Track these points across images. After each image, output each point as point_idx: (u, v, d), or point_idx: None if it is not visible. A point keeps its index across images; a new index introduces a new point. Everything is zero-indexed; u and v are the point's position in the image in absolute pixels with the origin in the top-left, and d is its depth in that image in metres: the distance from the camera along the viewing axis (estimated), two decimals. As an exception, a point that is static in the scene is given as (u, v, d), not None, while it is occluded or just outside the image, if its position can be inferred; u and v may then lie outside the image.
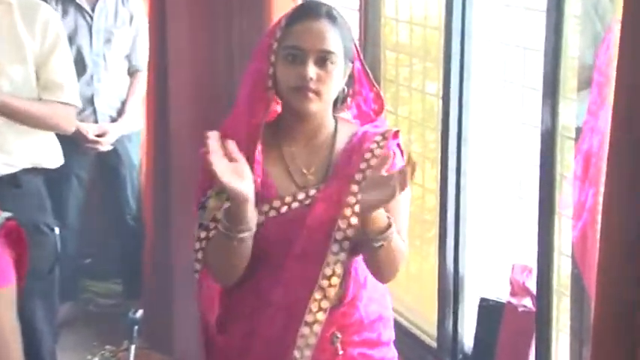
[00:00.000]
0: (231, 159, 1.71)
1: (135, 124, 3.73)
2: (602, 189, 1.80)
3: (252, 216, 1.74)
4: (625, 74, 1.53)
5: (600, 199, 1.80)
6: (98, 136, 3.61)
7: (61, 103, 2.77)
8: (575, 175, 1.99)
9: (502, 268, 2.50)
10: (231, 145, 1.72)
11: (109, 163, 3.74)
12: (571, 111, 2.09)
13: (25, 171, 2.77)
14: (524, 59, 2.40)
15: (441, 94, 2.59)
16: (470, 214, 2.56)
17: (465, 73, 2.50)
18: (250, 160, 1.78)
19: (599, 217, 1.78)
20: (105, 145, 3.63)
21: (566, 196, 2.09)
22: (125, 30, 3.71)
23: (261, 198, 1.80)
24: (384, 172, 1.70)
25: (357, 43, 1.96)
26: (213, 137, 1.69)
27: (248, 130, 1.83)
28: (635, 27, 1.51)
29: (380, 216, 1.74)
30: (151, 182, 3.60)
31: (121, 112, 3.70)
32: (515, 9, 2.40)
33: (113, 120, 3.69)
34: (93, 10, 3.67)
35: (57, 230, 2.84)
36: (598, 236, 1.64)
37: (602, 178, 1.80)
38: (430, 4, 2.71)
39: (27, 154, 2.77)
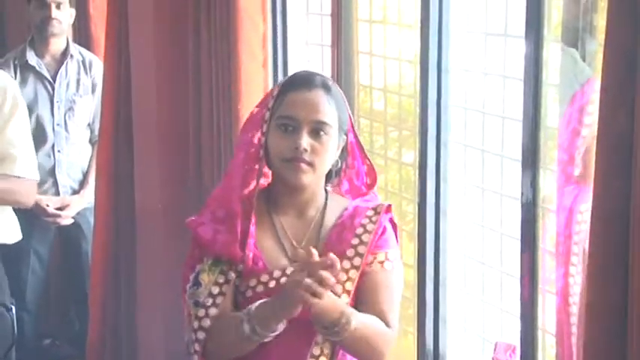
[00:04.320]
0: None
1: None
2: (571, 269, 1.76)
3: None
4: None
5: (570, 279, 1.77)
6: (59, 209, 3.49)
7: (18, 177, 2.64)
8: (549, 253, 1.93)
9: (484, 347, 2.39)
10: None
11: (71, 238, 3.61)
12: (552, 182, 2.02)
13: None
14: (502, 128, 2.33)
15: (417, 163, 2.51)
16: (449, 289, 2.46)
17: (441, 142, 2.43)
18: (244, 233, 1.76)
19: (570, 299, 1.77)
20: (66, 219, 3.51)
21: (548, 271, 2.01)
22: (87, 99, 3.62)
23: (250, 272, 1.77)
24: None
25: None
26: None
27: (241, 202, 1.79)
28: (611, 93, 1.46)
29: (328, 309, 1.68)
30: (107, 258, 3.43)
31: (82, 184, 3.59)
32: (492, 77, 2.34)
33: (75, 192, 3.58)
34: (54, 78, 3.58)
35: (14, 310, 2.71)
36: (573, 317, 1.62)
37: (571, 258, 1.77)
38: (405, 71, 2.65)
39: None
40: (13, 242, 2.77)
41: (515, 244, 2.17)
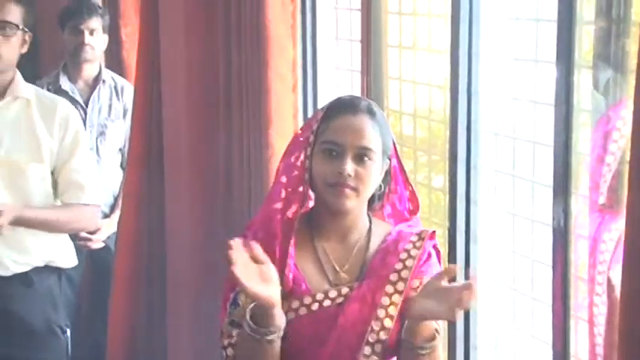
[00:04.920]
0: (256, 261, 1.66)
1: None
2: (595, 299, 1.76)
3: (279, 318, 1.71)
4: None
5: (594, 309, 1.76)
6: (90, 232, 3.50)
7: (84, 204, 2.68)
8: (580, 279, 1.91)
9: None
10: (257, 248, 1.67)
11: (101, 261, 3.62)
12: (584, 208, 2.00)
13: (38, 270, 2.68)
14: (533, 153, 2.31)
15: (447, 188, 2.50)
16: (480, 315, 2.44)
17: (471, 167, 2.42)
18: (284, 254, 1.76)
19: (595, 329, 1.77)
20: (97, 243, 3.52)
21: (580, 298, 1.98)
22: (119, 123, 3.65)
23: (292, 294, 1.76)
24: (444, 283, 1.65)
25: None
26: (236, 247, 1.63)
27: (282, 224, 1.79)
28: None
29: (429, 324, 1.70)
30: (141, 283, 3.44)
31: (113, 208, 3.61)
32: (523, 102, 2.33)
33: (106, 216, 3.59)
34: (86, 103, 3.62)
35: (68, 332, 2.77)
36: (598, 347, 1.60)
37: (595, 287, 1.77)
38: (434, 96, 2.65)
39: (41, 253, 2.69)
40: (70, 266, 2.80)
41: (547, 270, 2.15)
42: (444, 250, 2.54)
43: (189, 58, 3.11)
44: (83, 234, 3.48)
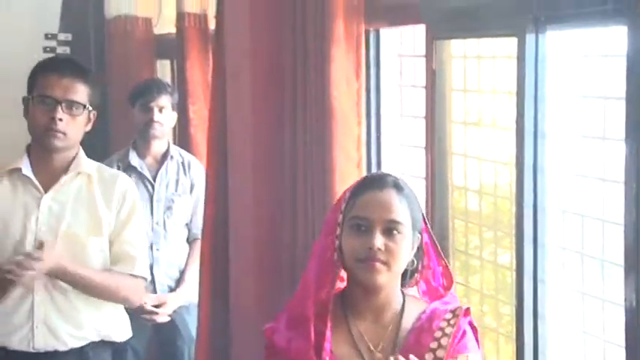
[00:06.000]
0: None
1: (194, 295, 3.63)
2: None
3: None
4: None
5: None
6: (156, 306, 3.54)
7: (131, 275, 2.72)
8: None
9: None
10: None
11: (167, 335, 3.64)
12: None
13: (94, 344, 2.70)
14: (602, 231, 2.27)
15: (514, 265, 2.46)
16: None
17: (538, 244, 2.38)
18: (319, 337, 1.75)
19: None
20: (163, 317, 3.55)
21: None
22: (186, 198, 3.71)
23: None
24: None
25: (424, 211, 1.90)
26: None
27: (315, 306, 1.78)
28: None
29: None
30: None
31: (179, 282, 3.64)
32: (591, 179, 2.30)
33: (171, 290, 3.63)
34: (154, 178, 3.69)
35: None
36: None
37: None
38: (500, 171, 2.64)
39: (97, 327, 2.71)
40: (124, 340, 2.81)
41: (620, 351, 2.09)
42: (511, 328, 2.51)
43: (256, 135, 3.16)
44: (149, 307, 3.51)
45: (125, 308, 2.99)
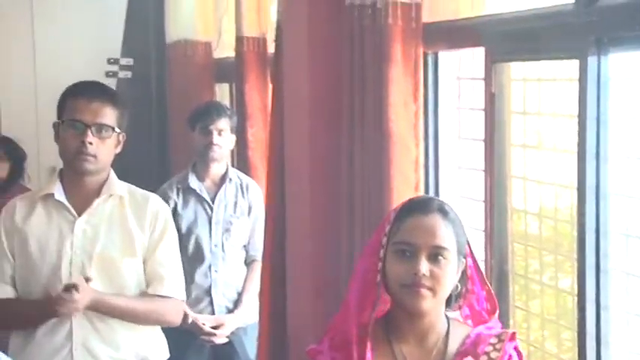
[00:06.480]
0: None
1: (251, 317, 3.66)
2: None
3: None
4: None
5: None
6: (214, 328, 3.56)
7: (165, 297, 2.74)
8: None
9: None
10: None
11: (224, 357, 3.66)
12: None
13: None
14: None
15: (575, 290, 2.42)
16: None
17: (601, 269, 2.34)
18: (360, 359, 1.74)
19: None
20: (220, 338, 3.57)
21: None
22: (244, 220, 3.73)
23: None
24: None
25: (483, 235, 1.89)
26: None
27: (357, 328, 1.78)
28: None
29: None
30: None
31: (237, 304, 3.66)
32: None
33: (229, 311, 3.65)
34: (213, 200, 3.72)
35: None
36: None
37: None
38: (561, 195, 2.61)
39: (135, 348, 2.73)
40: None
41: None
42: (573, 354, 2.46)
43: (312, 155, 3.18)
44: (208, 328, 3.54)
45: (185, 330, 3.03)
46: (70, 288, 2.55)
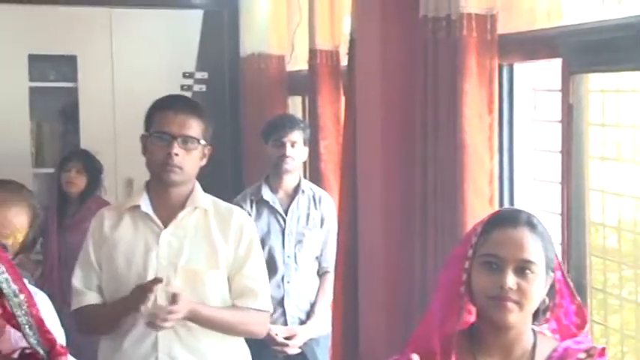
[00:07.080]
0: None
1: (324, 328, 3.67)
2: None
3: None
4: None
5: None
6: (287, 338, 3.58)
7: (256, 309, 2.76)
8: None
9: None
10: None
11: (297, 367, 3.68)
12: None
13: None
14: None
15: (656, 306, 2.37)
16: None
17: (683, 284, 2.28)
18: None
19: None
20: (293, 348, 3.59)
21: None
22: (316, 232, 3.75)
23: None
24: None
25: (560, 248, 1.86)
26: None
27: (441, 340, 1.77)
28: None
29: None
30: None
31: (309, 315, 3.67)
32: None
33: (302, 322, 3.66)
34: (286, 212, 3.75)
35: None
36: None
37: None
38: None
39: (219, 357, 2.76)
40: None
41: None
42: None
43: (385, 167, 3.17)
44: (280, 339, 3.56)
45: (258, 340, 3.04)
46: (176, 297, 2.57)
